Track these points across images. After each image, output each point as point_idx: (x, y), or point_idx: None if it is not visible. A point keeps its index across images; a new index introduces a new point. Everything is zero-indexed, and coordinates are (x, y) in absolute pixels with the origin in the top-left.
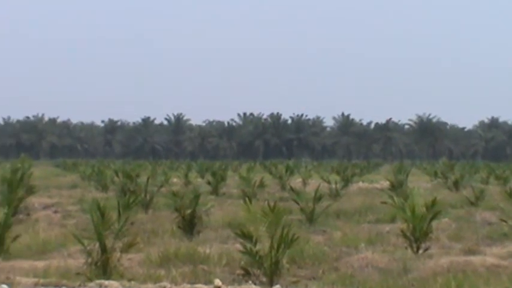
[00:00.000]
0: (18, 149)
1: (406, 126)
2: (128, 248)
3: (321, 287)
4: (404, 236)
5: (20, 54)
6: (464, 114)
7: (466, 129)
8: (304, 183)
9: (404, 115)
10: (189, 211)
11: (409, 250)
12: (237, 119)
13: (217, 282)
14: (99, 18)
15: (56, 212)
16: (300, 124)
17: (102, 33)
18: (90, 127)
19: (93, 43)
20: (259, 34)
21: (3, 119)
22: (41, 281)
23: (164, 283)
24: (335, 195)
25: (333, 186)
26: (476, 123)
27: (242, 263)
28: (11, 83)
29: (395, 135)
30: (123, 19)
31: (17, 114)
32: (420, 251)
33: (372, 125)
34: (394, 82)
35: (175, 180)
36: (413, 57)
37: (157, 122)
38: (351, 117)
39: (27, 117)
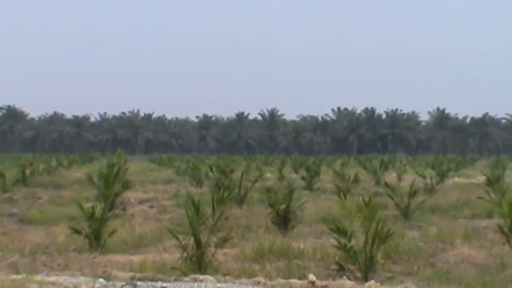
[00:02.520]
0: (114, 144)
1: (503, 121)
2: (222, 242)
3: (416, 283)
4: (502, 231)
5: (118, 52)
6: None
7: None
8: (399, 178)
9: (502, 109)
10: (283, 206)
11: (507, 246)
12: (331, 114)
13: (312, 277)
14: (196, 16)
15: (151, 206)
16: (394, 119)
17: (196, 30)
18: (185, 122)
19: (185, 40)
20: (353, 31)
21: (100, 114)
22: (137, 275)
23: (258, 278)
24: (430, 190)
25: (428, 181)
26: None
27: (336, 258)
28: (107, 79)
29: (492, 129)
30: (215, 15)
31: (113, 110)
32: None
33: (468, 120)
34: (490, 76)
35: (269, 175)
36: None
37: (251, 117)
38: (447, 111)
39: (123, 113)
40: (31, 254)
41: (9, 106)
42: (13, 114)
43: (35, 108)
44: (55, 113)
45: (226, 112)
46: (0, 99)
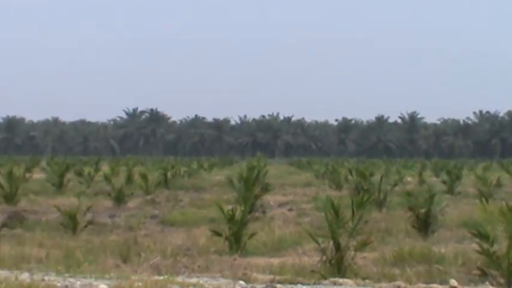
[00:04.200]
0: (254, 147)
1: None
2: (362, 246)
3: None
4: None
5: (258, 56)
6: None
7: None
8: None
9: None
10: (423, 210)
11: None
12: (472, 117)
13: (453, 282)
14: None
15: (290, 209)
16: None
17: (341, 35)
18: (324, 126)
19: (321, 44)
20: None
21: (240, 118)
22: (277, 277)
23: (399, 282)
24: None
25: None
26: None
27: (478, 263)
28: (247, 83)
29: None
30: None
31: (253, 113)
32: None
33: None
34: None
35: (409, 179)
36: None
37: (391, 120)
38: None
39: (263, 116)
40: (173, 255)
41: (152, 110)
42: (156, 118)
43: (177, 112)
44: (196, 116)
45: (366, 115)
46: (144, 103)
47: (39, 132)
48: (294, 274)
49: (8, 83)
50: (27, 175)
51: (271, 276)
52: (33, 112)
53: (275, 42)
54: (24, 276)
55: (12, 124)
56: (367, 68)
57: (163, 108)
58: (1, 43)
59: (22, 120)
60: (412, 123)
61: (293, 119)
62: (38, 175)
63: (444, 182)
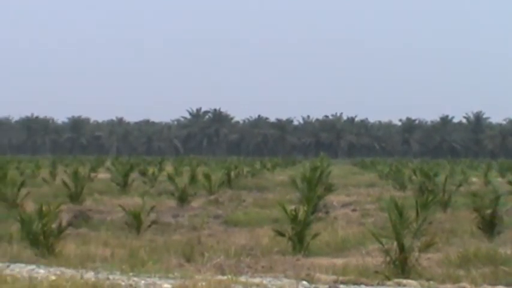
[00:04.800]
0: (317, 147)
1: None
2: (426, 247)
3: None
4: None
5: (322, 57)
6: None
7: None
8: None
9: None
10: (488, 211)
11: None
12: None
13: None
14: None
15: (354, 210)
16: None
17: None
18: (388, 126)
19: (381, 45)
20: None
21: (303, 118)
22: (340, 278)
23: (463, 284)
24: None
25: None
26: None
27: None
28: (309, 83)
29: None
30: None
31: (317, 113)
32: None
33: None
34: None
35: (474, 179)
36: None
37: (455, 120)
38: None
39: (326, 116)
40: (236, 255)
41: (215, 110)
42: (219, 118)
43: (240, 112)
44: (259, 116)
45: (430, 115)
46: (207, 103)
47: (104, 132)
48: (357, 275)
49: (73, 83)
50: (92, 175)
51: (335, 277)
52: (98, 112)
53: (339, 42)
54: (90, 275)
55: (78, 124)
56: (430, 69)
57: (226, 108)
58: (73, 45)
59: (87, 120)
60: (477, 123)
61: (356, 119)
62: (102, 175)
63: (510, 183)
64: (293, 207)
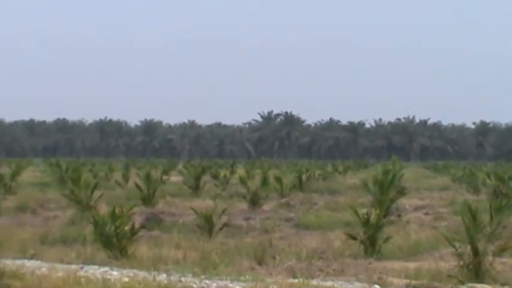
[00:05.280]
0: (389, 150)
1: None
2: (500, 251)
3: None
4: None
5: (392, 60)
6: None
7: None
8: None
9: None
10: None
11: None
12: None
13: None
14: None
15: (426, 213)
16: None
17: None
18: (461, 129)
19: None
20: None
21: (375, 121)
22: (413, 282)
23: None
24: None
25: None
26: None
27: None
28: (382, 86)
29: None
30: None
31: (388, 116)
32: None
33: None
34: None
35: None
36: None
37: None
38: None
39: (398, 119)
40: (307, 258)
41: (286, 113)
42: (290, 121)
43: (312, 115)
44: (331, 119)
45: (504, 118)
46: (279, 106)
47: (176, 135)
48: (430, 279)
49: (145, 87)
50: (165, 177)
51: (407, 281)
52: (171, 116)
53: (409, 46)
54: (162, 277)
55: (150, 127)
56: (503, 70)
57: (297, 112)
58: (146, 49)
59: (160, 123)
60: None
61: (429, 122)
62: (174, 178)
63: None
64: (365, 210)
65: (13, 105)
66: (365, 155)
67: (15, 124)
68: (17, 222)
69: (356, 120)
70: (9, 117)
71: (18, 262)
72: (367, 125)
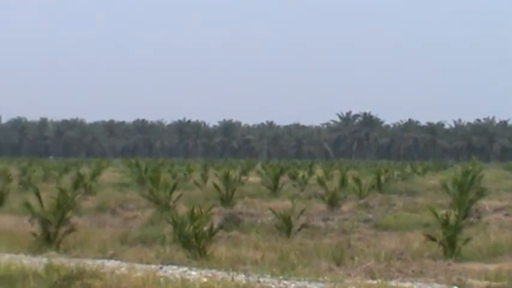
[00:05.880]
0: (469, 151)
1: None
2: None
3: None
4: None
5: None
6: None
7: None
8: None
9: None
10: None
11: None
12: None
13: None
14: None
15: (507, 215)
16: None
17: None
18: None
19: None
20: None
21: (455, 122)
22: (493, 284)
23: None
24: None
25: None
26: None
27: None
28: (461, 87)
29: None
30: None
31: (468, 117)
32: None
33: None
34: None
35: None
36: None
37: None
38: None
39: (478, 120)
40: (386, 259)
41: (365, 113)
42: (369, 122)
43: (390, 116)
44: (409, 120)
45: None
46: (357, 107)
47: (255, 136)
48: (510, 280)
49: (224, 88)
50: (243, 178)
51: (487, 282)
52: (249, 116)
53: (489, 48)
54: (240, 278)
55: (229, 128)
56: None
57: (376, 112)
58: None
59: (238, 124)
60: None
61: (509, 122)
62: (253, 178)
63: None
64: (444, 211)
65: (94, 106)
66: (444, 156)
67: (96, 125)
68: (97, 222)
69: (435, 120)
70: (90, 118)
71: (98, 262)
72: (446, 126)
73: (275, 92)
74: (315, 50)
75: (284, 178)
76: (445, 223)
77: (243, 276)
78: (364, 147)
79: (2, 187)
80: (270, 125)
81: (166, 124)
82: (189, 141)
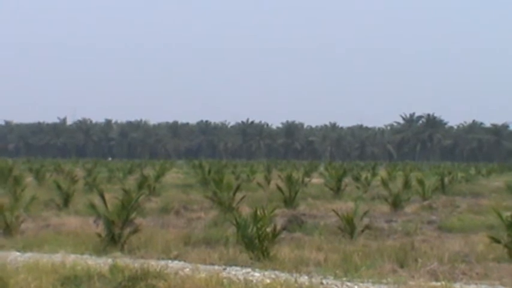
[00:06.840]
0: None
1: None
2: None
3: None
4: None
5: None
6: None
7: None
8: None
9: None
10: None
11: None
12: None
13: None
14: None
15: None
16: None
17: None
18: None
19: None
20: None
21: None
22: None
23: None
24: None
25: None
26: None
27: None
28: None
29: None
30: None
31: None
32: None
33: None
34: None
35: None
36: None
37: None
38: None
39: None
40: (450, 261)
41: (428, 115)
42: (432, 123)
43: (454, 117)
44: (473, 121)
45: None
46: (420, 108)
47: (318, 137)
48: None
49: (287, 90)
50: (306, 179)
51: None
52: (312, 118)
53: None
54: (303, 279)
55: (292, 129)
56: None
57: (440, 114)
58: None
59: (301, 125)
60: None
61: None
62: (316, 180)
63: None
64: (509, 213)
65: (158, 107)
66: (509, 157)
67: (160, 126)
68: (160, 223)
69: (499, 122)
70: (154, 120)
71: (162, 263)
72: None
73: (337, 94)
74: (379, 50)
75: (347, 179)
76: (510, 225)
77: (306, 277)
78: (428, 149)
79: (68, 188)
80: (333, 126)
81: (229, 125)
82: (252, 142)
